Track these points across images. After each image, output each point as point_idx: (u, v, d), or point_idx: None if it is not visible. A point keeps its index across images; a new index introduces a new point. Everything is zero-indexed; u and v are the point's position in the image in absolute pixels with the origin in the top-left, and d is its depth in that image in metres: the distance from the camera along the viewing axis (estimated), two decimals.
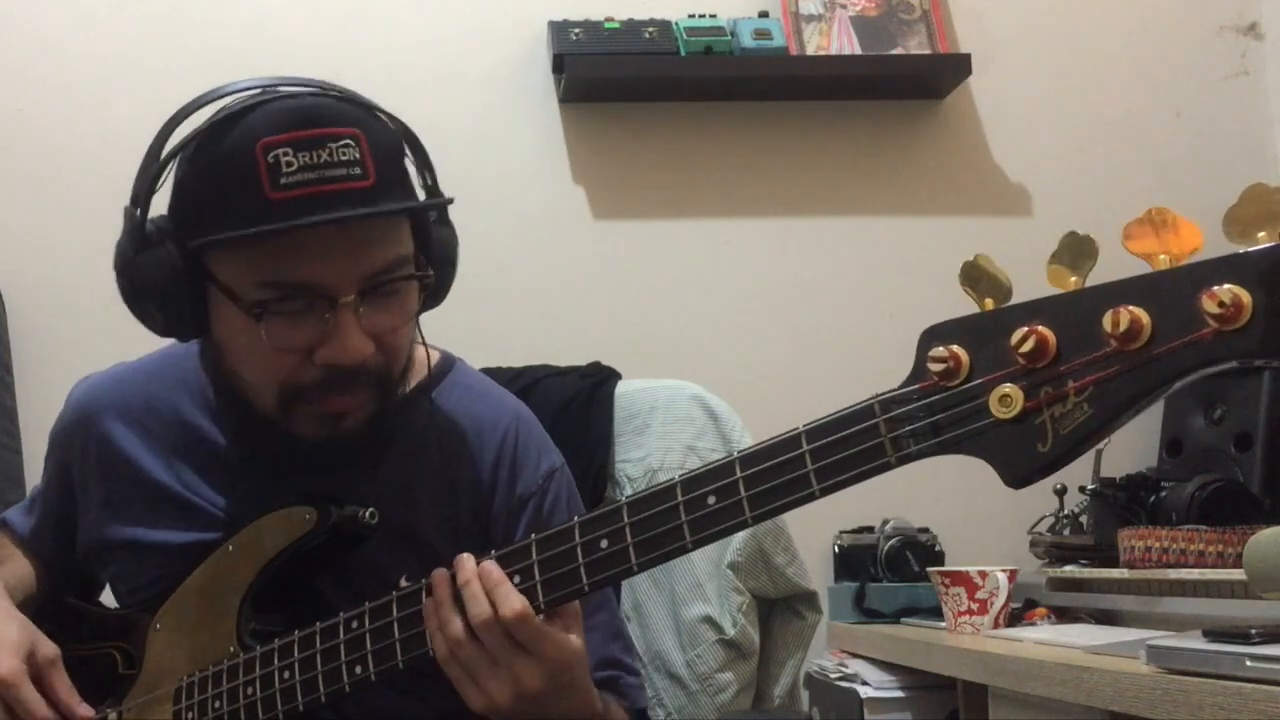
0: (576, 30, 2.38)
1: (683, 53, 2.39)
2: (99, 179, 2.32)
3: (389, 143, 1.15)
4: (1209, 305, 0.75)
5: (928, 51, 2.47)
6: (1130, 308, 0.78)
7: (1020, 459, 0.83)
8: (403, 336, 1.18)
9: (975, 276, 0.86)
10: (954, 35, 2.55)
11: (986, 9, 2.58)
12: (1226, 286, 0.75)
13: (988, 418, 0.84)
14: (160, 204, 1.17)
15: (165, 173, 1.14)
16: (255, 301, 1.10)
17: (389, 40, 2.45)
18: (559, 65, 2.38)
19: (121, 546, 1.29)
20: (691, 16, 2.44)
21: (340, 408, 1.15)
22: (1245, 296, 0.74)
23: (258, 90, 1.13)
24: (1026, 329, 0.82)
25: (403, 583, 1.11)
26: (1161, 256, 0.80)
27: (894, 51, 2.47)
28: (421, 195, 1.21)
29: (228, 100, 1.14)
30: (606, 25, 2.40)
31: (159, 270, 1.13)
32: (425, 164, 1.21)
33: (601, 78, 2.39)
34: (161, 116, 1.17)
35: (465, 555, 1.07)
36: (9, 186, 2.35)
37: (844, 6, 2.49)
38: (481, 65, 2.47)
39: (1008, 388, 0.83)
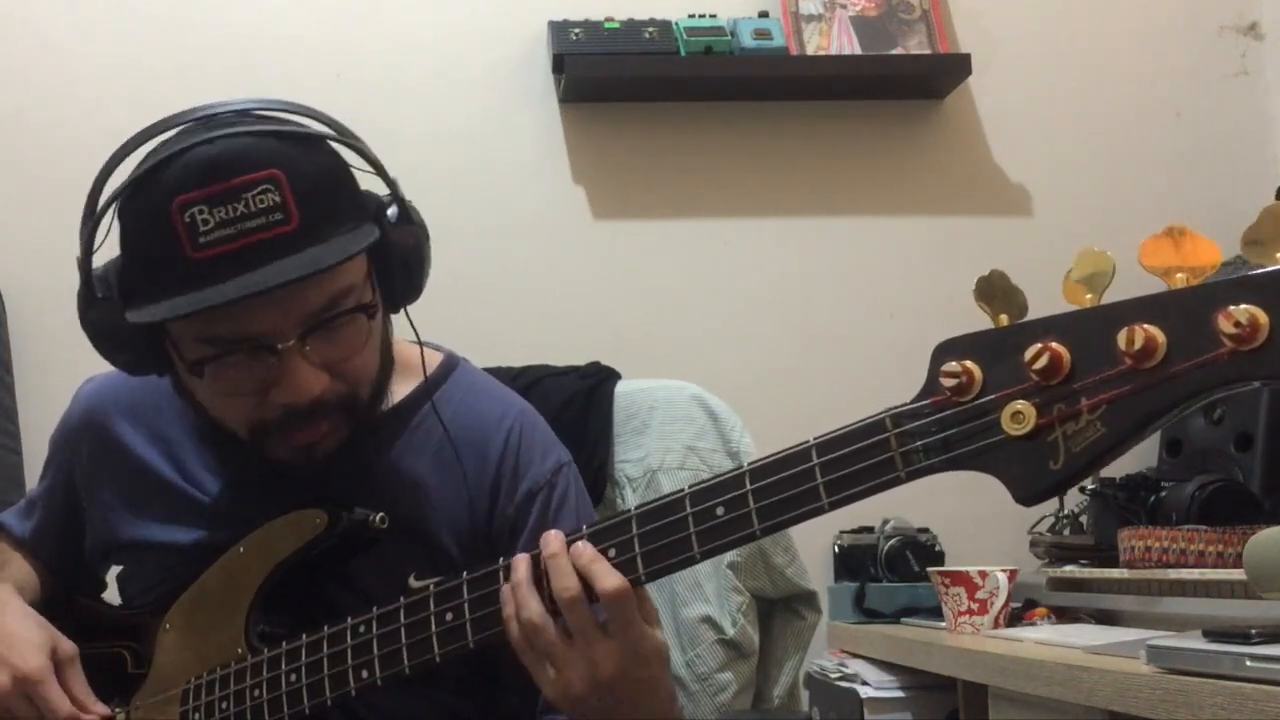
0: (576, 30, 2.38)
1: (683, 53, 2.39)
2: None
3: (316, 173, 1.10)
4: (1225, 325, 0.74)
5: (928, 51, 2.47)
6: (1145, 326, 0.77)
7: (1031, 476, 0.82)
8: (361, 361, 1.17)
9: (991, 292, 0.85)
10: (954, 35, 2.55)
11: (986, 9, 2.58)
12: (1243, 306, 0.74)
13: (999, 434, 0.83)
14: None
15: (103, 230, 1.13)
16: (195, 360, 1.11)
17: (389, 40, 2.45)
18: (559, 65, 2.38)
19: (131, 547, 1.29)
20: (691, 16, 2.44)
21: (308, 439, 1.15)
22: (1262, 317, 0.73)
23: (190, 126, 1.11)
24: (1040, 345, 0.81)
25: (411, 581, 1.10)
26: (1178, 275, 0.78)
27: (894, 51, 2.47)
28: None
29: (161, 139, 1.12)
30: (606, 25, 2.40)
31: (110, 326, 1.13)
32: (379, 171, 1.18)
33: (601, 78, 2.39)
34: (161, 116, 1.17)
35: (552, 532, 1.04)
36: (9, 186, 2.35)
37: (844, 6, 2.49)
38: (481, 65, 2.47)
39: (1020, 404, 0.82)
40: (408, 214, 1.19)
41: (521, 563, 1.04)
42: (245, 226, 1.05)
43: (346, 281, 1.12)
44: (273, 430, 1.14)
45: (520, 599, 1.03)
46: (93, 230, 1.13)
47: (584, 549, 1.02)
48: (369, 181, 1.19)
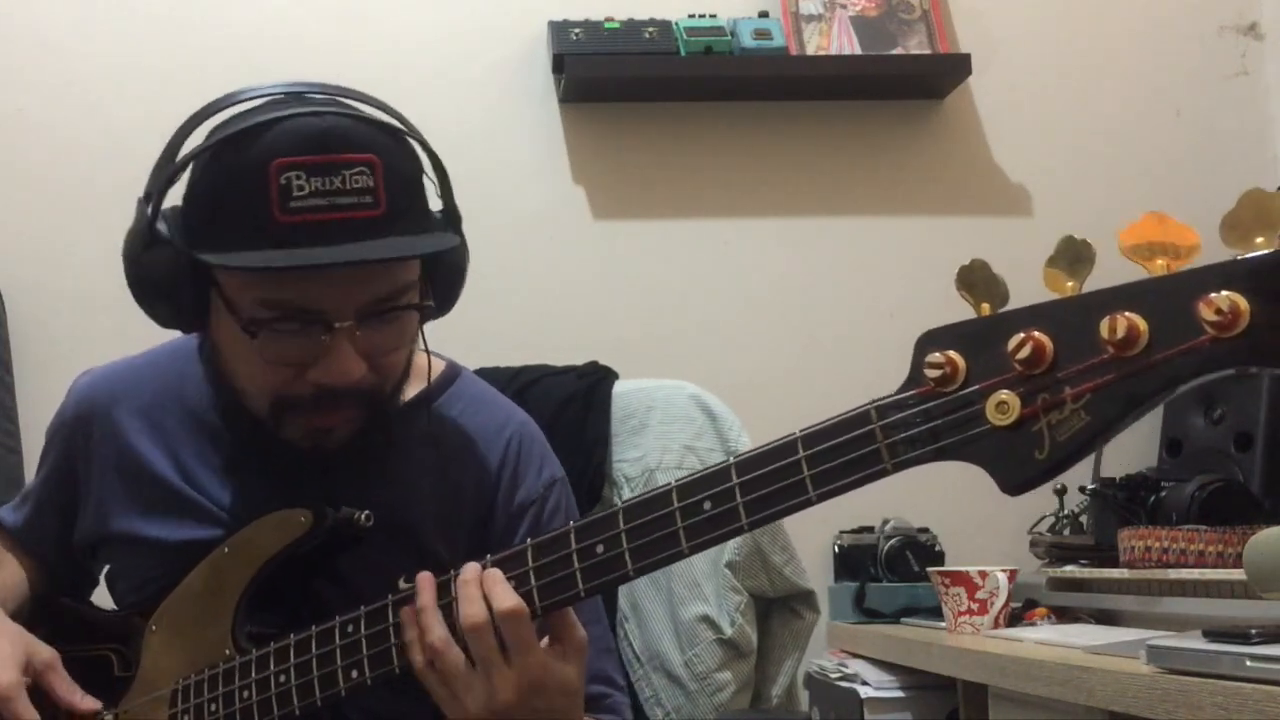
0: (576, 30, 2.38)
1: (683, 53, 2.39)
2: (99, 179, 2.32)
3: (407, 169, 1.14)
4: (1206, 312, 0.74)
5: (928, 51, 2.47)
6: (1127, 314, 0.77)
7: (1017, 466, 0.82)
8: (398, 358, 1.19)
9: (971, 281, 0.86)
10: (954, 35, 2.55)
11: (986, 9, 2.57)
12: (1224, 293, 0.74)
13: (984, 424, 0.83)
14: (175, 194, 1.17)
15: (181, 173, 1.15)
16: (251, 319, 1.11)
17: (389, 40, 2.45)
18: (559, 65, 2.38)
19: (121, 541, 1.29)
20: (691, 16, 2.44)
21: (328, 423, 1.16)
22: (1243, 303, 0.73)
23: (282, 97, 1.13)
24: (1023, 335, 0.81)
25: (401, 584, 1.11)
26: (1159, 262, 0.79)
27: (894, 51, 2.47)
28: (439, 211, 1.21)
29: (254, 102, 1.14)
30: (606, 25, 2.40)
31: (164, 268, 1.14)
32: (446, 188, 1.21)
33: (601, 78, 2.39)
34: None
35: (470, 563, 1.07)
36: (9, 186, 2.35)
37: (844, 6, 2.49)
38: (481, 65, 2.47)
39: (1004, 394, 0.82)
40: (461, 234, 1.22)
41: (426, 586, 1.07)
42: (337, 201, 1.07)
43: (410, 277, 1.15)
44: (296, 407, 1.15)
45: (425, 624, 1.06)
46: (172, 174, 1.14)
47: (493, 574, 1.05)
48: None
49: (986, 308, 0.85)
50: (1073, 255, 0.82)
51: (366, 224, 1.08)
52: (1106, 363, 0.78)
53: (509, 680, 1.04)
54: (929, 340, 0.87)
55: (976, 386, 0.84)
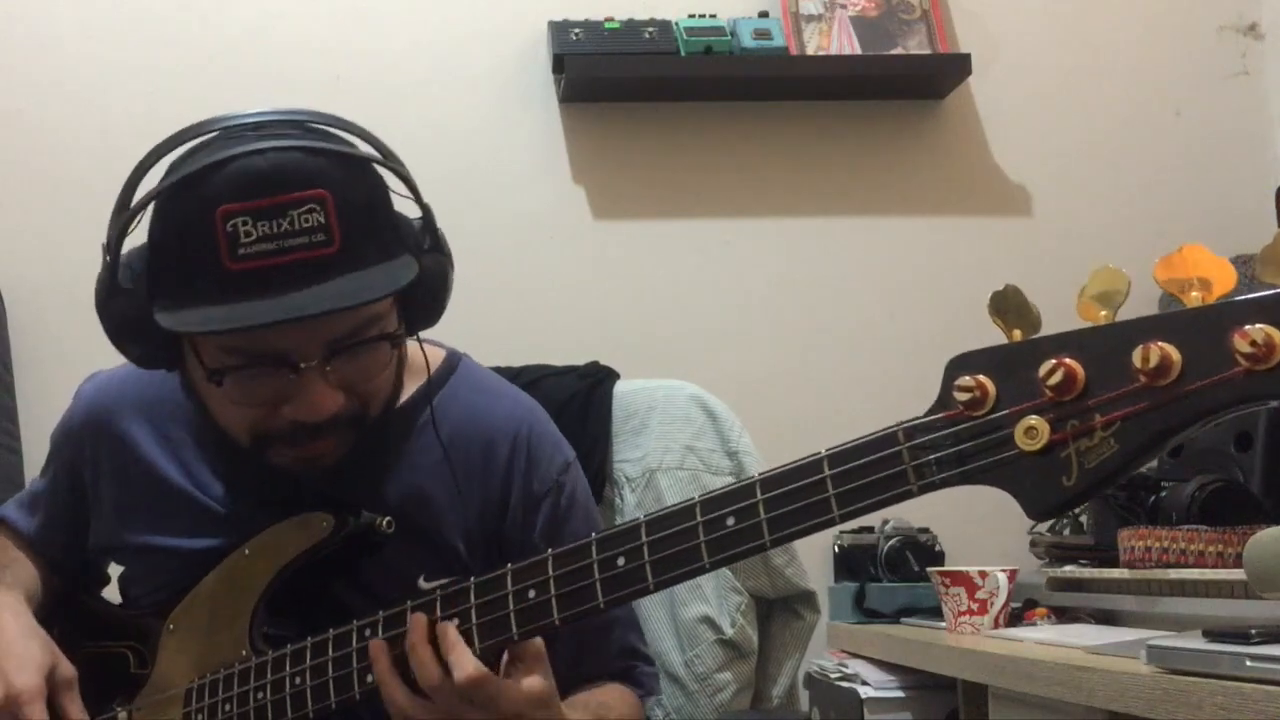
0: (576, 30, 2.38)
1: (683, 53, 2.39)
2: (99, 179, 2.30)
3: (362, 198, 1.10)
4: (1240, 344, 0.74)
5: (928, 51, 2.47)
6: (1161, 344, 0.77)
7: (1044, 492, 0.82)
8: (379, 383, 1.17)
9: (1004, 307, 0.86)
10: (954, 35, 2.55)
11: (986, 9, 2.57)
12: (1259, 326, 0.74)
13: (1013, 449, 0.83)
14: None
15: (135, 222, 1.12)
16: (215, 368, 1.10)
17: (389, 41, 2.45)
18: (559, 65, 2.38)
19: (134, 550, 1.29)
20: (691, 16, 2.44)
21: (313, 453, 1.15)
22: (1278, 337, 0.73)
23: (222, 134, 1.09)
24: (1055, 361, 0.81)
25: (421, 583, 1.10)
26: (1194, 294, 0.79)
27: (894, 51, 2.47)
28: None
29: (204, 138, 1.11)
30: (606, 25, 2.40)
31: (130, 317, 1.12)
32: (416, 197, 1.17)
33: (601, 78, 2.39)
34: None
35: (415, 617, 1.06)
36: (9, 186, 2.35)
37: (844, 6, 2.49)
38: (481, 65, 2.47)
39: (1034, 420, 0.82)
40: (438, 243, 1.18)
41: (381, 653, 1.06)
42: (287, 244, 1.04)
43: (375, 310, 1.12)
44: (276, 441, 1.14)
45: (387, 694, 1.05)
46: (126, 223, 1.12)
47: (446, 633, 1.04)
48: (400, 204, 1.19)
49: (1018, 334, 0.85)
50: (1107, 284, 0.82)
51: (320, 264, 1.05)
52: (1138, 391, 0.78)
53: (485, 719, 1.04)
54: (959, 364, 0.86)
55: (1006, 411, 0.84)
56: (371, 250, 1.10)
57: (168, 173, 1.11)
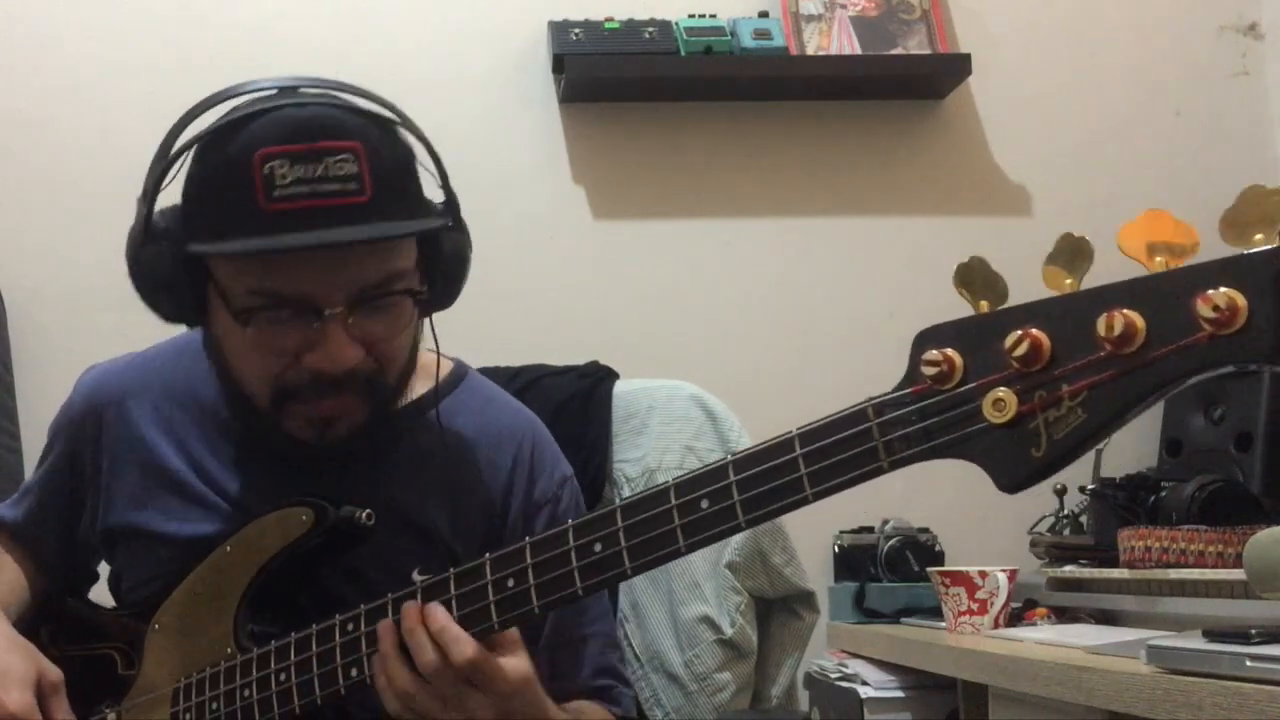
0: (576, 30, 2.38)
1: (683, 53, 2.39)
2: (99, 179, 2.32)
3: (394, 156, 1.14)
4: (1204, 309, 0.74)
5: (928, 51, 2.47)
6: (1124, 311, 0.77)
7: (1014, 464, 0.82)
8: (397, 345, 1.19)
9: (970, 279, 0.85)
10: (954, 35, 2.54)
11: (986, 9, 2.57)
12: (1222, 290, 0.74)
13: (981, 422, 0.83)
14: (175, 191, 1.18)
15: (174, 169, 1.16)
16: (242, 308, 1.12)
17: (389, 41, 2.45)
18: (559, 65, 2.38)
19: (130, 535, 1.29)
20: (691, 16, 2.43)
21: (329, 411, 1.16)
22: (1240, 300, 0.73)
23: (272, 91, 1.14)
24: (1020, 332, 0.81)
25: (415, 576, 1.11)
26: (1158, 259, 0.79)
27: (894, 51, 2.47)
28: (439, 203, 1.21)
29: (243, 99, 1.15)
30: (606, 25, 2.40)
31: (162, 264, 1.15)
32: (444, 177, 1.21)
33: (601, 78, 2.39)
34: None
35: (408, 605, 1.07)
36: (9, 186, 2.35)
37: (844, 6, 2.49)
38: (481, 65, 2.47)
39: (1001, 391, 0.82)
40: (460, 223, 1.23)
41: (386, 633, 1.07)
42: (321, 188, 1.08)
43: (402, 264, 1.15)
44: (295, 397, 1.15)
45: (390, 672, 1.06)
46: (164, 170, 1.15)
47: (435, 616, 1.05)
48: None
49: (985, 305, 0.85)
50: (1071, 252, 0.82)
51: (351, 210, 1.09)
52: (1104, 360, 0.78)
53: (484, 703, 1.06)
54: (926, 338, 0.86)
55: (973, 384, 0.84)
56: (401, 209, 1.14)
57: (200, 132, 1.15)
